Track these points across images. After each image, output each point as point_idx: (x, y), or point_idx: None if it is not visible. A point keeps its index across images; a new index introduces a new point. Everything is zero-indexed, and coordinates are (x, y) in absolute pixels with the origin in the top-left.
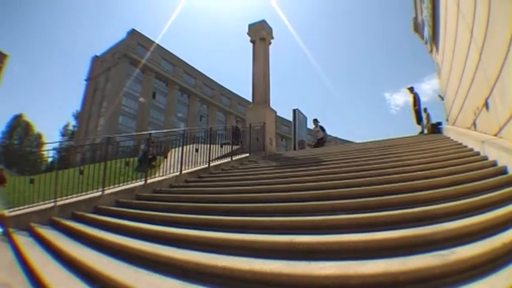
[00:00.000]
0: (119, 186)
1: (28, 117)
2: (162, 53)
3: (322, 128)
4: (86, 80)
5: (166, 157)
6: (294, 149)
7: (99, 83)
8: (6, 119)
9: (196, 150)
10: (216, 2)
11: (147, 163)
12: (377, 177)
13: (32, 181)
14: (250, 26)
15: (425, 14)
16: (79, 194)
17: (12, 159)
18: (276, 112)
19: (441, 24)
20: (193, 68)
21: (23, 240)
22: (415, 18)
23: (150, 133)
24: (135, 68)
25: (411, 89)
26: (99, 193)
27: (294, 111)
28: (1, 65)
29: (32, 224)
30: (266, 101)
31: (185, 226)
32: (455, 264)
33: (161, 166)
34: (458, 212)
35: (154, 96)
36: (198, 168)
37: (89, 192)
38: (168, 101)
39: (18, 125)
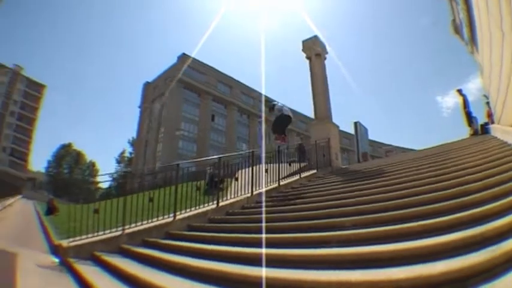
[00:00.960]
0: (191, 210)
1: (76, 147)
2: (217, 75)
3: None
4: (139, 107)
5: (236, 179)
6: (358, 161)
7: (154, 108)
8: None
9: (266, 171)
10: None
11: (214, 186)
12: (444, 182)
13: (96, 211)
14: (303, 42)
15: (462, 16)
16: (149, 221)
17: (62, 188)
18: (338, 127)
19: (476, 23)
20: (250, 87)
21: (88, 269)
22: (453, 20)
23: (220, 157)
24: (190, 92)
25: (460, 91)
26: (171, 219)
27: (356, 124)
28: (39, 95)
29: (97, 253)
30: (328, 116)
31: (266, 245)
32: None
33: (230, 188)
34: None
35: (213, 119)
36: (269, 188)
37: (159, 218)
38: (228, 123)
39: (67, 154)
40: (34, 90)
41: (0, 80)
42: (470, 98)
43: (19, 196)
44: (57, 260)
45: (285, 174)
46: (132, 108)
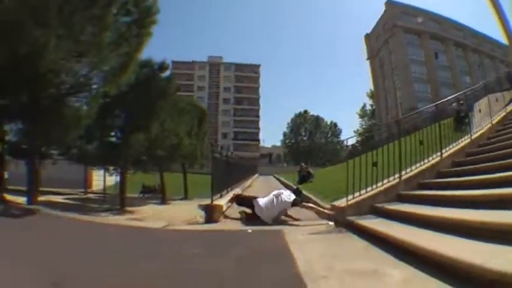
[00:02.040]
0: (453, 147)
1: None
2: (425, 15)
3: None
4: (367, 59)
5: (480, 111)
6: None
7: (383, 57)
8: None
9: (497, 100)
10: None
11: (462, 122)
12: None
13: (375, 164)
14: None
15: None
16: (420, 164)
17: (303, 155)
18: None
19: None
20: (455, 21)
21: (371, 222)
22: None
23: (465, 92)
24: (409, 35)
25: None
26: (438, 158)
27: None
28: (256, 75)
29: (376, 205)
30: None
31: None
32: None
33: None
34: None
35: (436, 57)
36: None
37: (429, 159)
38: (448, 58)
39: (305, 122)
40: (249, 72)
41: (200, 74)
42: None
43: (256, 175)
44: (331, 223)
45: None
46: (359, 62)
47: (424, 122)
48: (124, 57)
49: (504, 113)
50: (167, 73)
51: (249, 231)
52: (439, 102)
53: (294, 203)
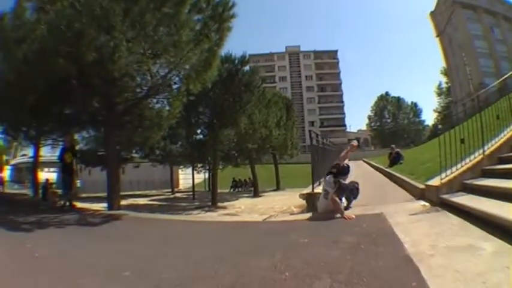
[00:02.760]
0: None
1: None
2: None
3: None
4: (437, 36)
5: None
6: None
7: (450, 34)
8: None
9: None
10: None
11: None
12: None
13: (462, 140)
14: None
15: None
16: (498, 139)
17: (389, 137)
18: None
19: None
20: None
21: (463, 199)
22: None
23: None
24: (467, 10)
25: None
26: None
27: None
28: (335, 61)
29: (466, 182)
30: None
31: None
32: None
33: None
34: None
35: (493, 31)
36: None
37: (505, 133)
38: (501, 32)
39: (387, 104)
40: (328, 58)
41: (280, 64)
42: None
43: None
44: (427, 204)
45: None
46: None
47: (493, 97)
48: (206, 53)
49: None
50: (248, 67)
51: (353, 216)
52: (505, 76)
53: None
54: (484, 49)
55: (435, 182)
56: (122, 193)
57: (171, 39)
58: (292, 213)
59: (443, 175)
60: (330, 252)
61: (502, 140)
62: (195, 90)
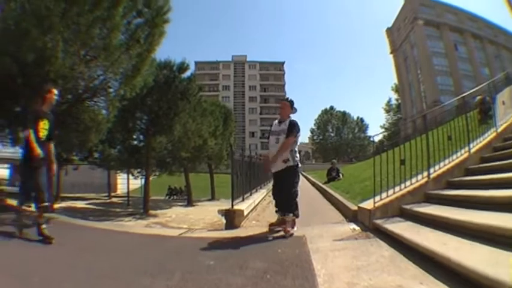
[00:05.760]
0: (480, 142)
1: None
2: (442, 6)
3: None
4: (390, 53)
5: (504, 103)
6: None
7: (406, 51)
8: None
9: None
10: None
11: (486, 114)
12: None
13: (403, 162)
14: None
15: None
16: (449, 161)
17: (331, 151)
18: None
19: None
20: (471, 12)
21: (398, 226)
22: None
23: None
24: (428, 27)
25: None
26: (466, 154)
27: None
28: (281, 72)
29: (405, 207)
30: None
31: None
32: None
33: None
34: None
35: (456, 48)
36: None
37: (458, 155)
38: (468, 50)
39: (331, 118)
40: (274, 70)
41: (225, 73)
42: None
43: None
44: (357, 228)
45: None
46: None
47: (449, 115)
48: (136, 58)
49: None
50: (188, 74)
51: (270, 238)
52: (465, 94)
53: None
54: (443, 67)
55: (369, 204)
56: (63, 195)
57: (102, 42)
58: (215, 229)
59: (377, 198)
60: (231, 279)
61: (453, 163)
62: (127, 95)
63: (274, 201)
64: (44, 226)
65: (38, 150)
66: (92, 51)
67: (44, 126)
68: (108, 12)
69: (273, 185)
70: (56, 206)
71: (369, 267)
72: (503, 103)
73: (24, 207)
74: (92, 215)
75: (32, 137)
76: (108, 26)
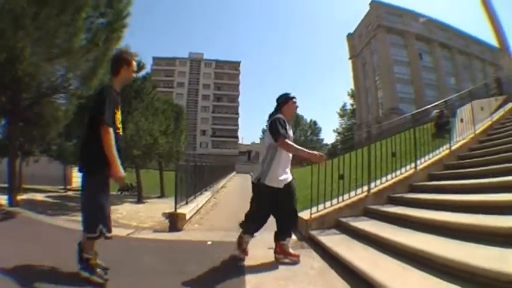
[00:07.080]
0: (430, 158)
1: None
2: (410, 15)
3: None
4: (349, 59)
5: (462, 120)
6: None
7: (365, 57)
8: None
9: (482, 109)
10: None
11: (441, 128)
12: None
13: (341, 177)
14: None
15: None
16: (392, 176)
17: None
18: None
19: None
20: (442, 22)
21: (333, 239)
22: None
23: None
24: (392, 35)
25: None
26: (412, 170)
27: None
28: (236, 72)
29: (342, 219)
30: None
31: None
32: None
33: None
34: None
35: (421, 57)
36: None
37: (402, 171)
38: (434, 60)
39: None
40: (229, 69)
41: (181, 70)
42: None
43: (232, 173)
44: (293, 237)
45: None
46: (340, 61)
47: (403, 125)
48: (93, 62)
49: (490, 122)
50: (143, 73)
51: (209, 243)
52: (423, 108)
53: None
54: (404, 75)
55: (306, 214)
56: (25, 186)
57: (67, 44)
58: (161, 229)
59: (314, 209)
60: (166, 282)
61: (396, 179)
62: (84, 94)
63: (257, 224)
64: None
65: (121, 170)
66: (56, 50)
67: (119, 118)
68: (72, 17)
69: (269, 202)
70: (22, 197)
71: (297, 279)
72: (462, 121)
73: None
74: (50, 209)
75: (112, 144)
76: (71, 30)
